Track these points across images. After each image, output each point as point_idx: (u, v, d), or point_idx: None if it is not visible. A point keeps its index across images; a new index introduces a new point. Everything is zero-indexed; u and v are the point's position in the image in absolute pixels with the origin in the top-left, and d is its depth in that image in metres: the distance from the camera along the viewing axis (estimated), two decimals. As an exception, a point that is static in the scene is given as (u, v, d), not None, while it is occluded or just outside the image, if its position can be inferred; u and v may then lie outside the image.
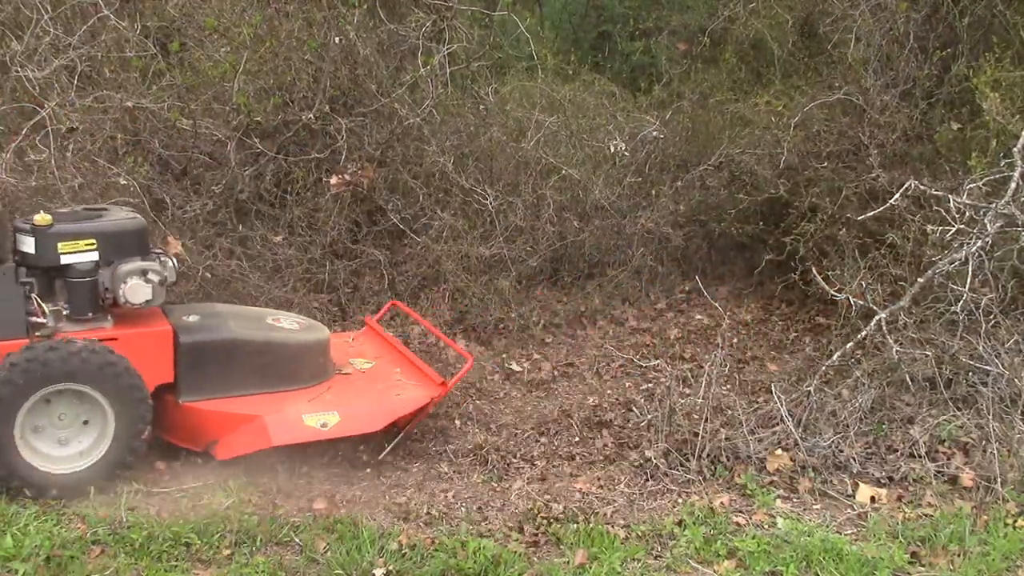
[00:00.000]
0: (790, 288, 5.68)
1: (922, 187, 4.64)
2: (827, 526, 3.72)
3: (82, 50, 5.33)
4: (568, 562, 3.43)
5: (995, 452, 3.96)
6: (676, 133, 6.59)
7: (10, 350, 3.62)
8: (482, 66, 6.37)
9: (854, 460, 4.08)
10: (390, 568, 3.33)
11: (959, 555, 3.48)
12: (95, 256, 3.87)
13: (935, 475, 4.00)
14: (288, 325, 4.34)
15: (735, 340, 5.60)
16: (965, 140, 5.27)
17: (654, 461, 4.15)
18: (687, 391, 4.64)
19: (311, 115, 5.50)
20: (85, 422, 3.76)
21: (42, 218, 3.81)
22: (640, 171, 6.30)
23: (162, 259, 4.03)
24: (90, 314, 3.90)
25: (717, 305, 5.46)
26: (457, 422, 4.67)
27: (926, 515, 3.77)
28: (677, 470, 4.11)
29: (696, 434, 4.19)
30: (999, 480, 3.85)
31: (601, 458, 4.32)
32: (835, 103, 5.77)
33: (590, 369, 5.31)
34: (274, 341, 4.15)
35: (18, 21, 5.51)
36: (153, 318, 4.06)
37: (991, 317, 4.37)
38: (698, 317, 6.00)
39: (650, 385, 5.05)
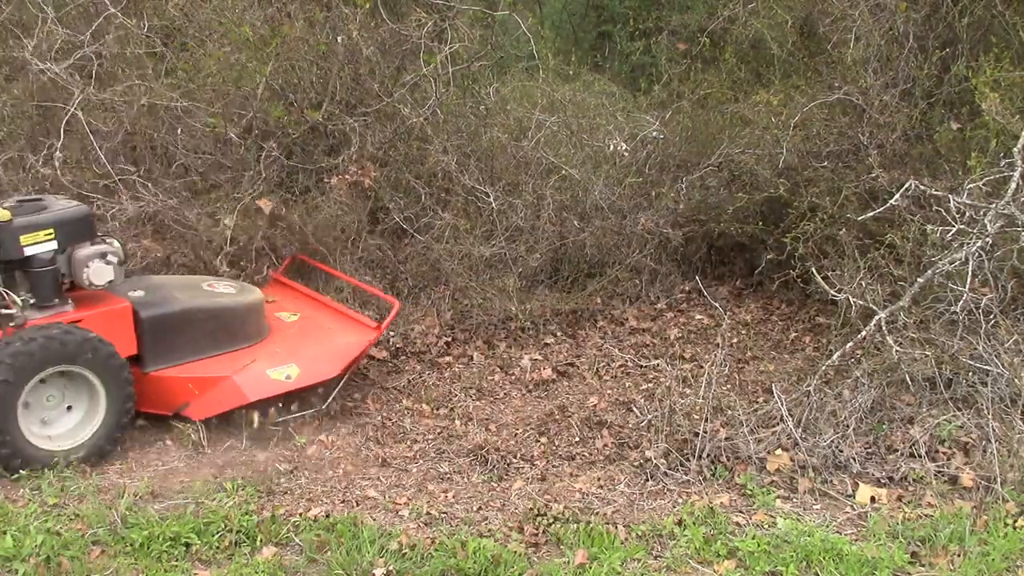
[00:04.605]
0: (790, 288, 5.68)
1: (922, 187, 4.64)
2: (827, 526, 3.72)
3: (88, 50, 5.34)
4: (568, 562, 3.43)
5: (995, 452, 3.96)
6: (676, 133, 6.59)
7: None
8: (483, 66, 6.38)
9: (854, 460, 4.08)
10: (390, 568, 3.34)
11: (959, 555, 3.48)
12: (54, 245, 4.02)
13: (935, 475, 4.00)
14: (224, 290, 4.57)
15: (735, 340, 5.61)
16: (965, 140, 5.26)
17: (654, 461, 4.15)
18: (687, 391, 4.64)
19: (318, 116, 5.51)
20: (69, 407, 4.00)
21: (1, 214, 3.91)
22: (640, 171, 6.30)
23: (108, 241, 4.20)
24: (55, 300, 4.06)
25: (717, 305, 5.46)
26: (457, 422, 4.67)
27: (926, 515, 3.77)
28: (677, 470, 4.11)
29: (696, 434, 4.20)
30: (999, 480, 3.84)
31: (601, 458, 4.32)
32: (835, 103, 5.76)
33: (590, 369, 5.31)
34: (221, 306, 4.41)
35: (24, 21, 5.52)
36: (107, 297, 4.23)
37: (991, 317, 4.37)
38: (698, 317, 6.00)
39: (650, 385, 5.04)
